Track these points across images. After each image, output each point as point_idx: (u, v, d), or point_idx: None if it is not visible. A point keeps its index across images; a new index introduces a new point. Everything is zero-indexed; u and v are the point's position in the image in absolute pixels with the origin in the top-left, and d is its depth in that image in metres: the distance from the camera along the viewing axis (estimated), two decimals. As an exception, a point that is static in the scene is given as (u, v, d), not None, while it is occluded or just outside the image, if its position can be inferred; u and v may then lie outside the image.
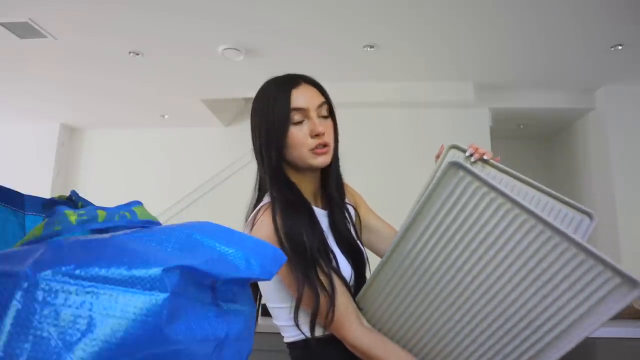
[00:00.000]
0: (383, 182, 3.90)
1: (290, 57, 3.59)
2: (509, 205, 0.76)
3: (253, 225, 0.93)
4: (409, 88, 4.07)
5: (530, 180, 1.01)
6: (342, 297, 0.88)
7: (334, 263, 0.90)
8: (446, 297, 0.81)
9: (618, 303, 0.70)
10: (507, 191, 0.76)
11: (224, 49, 3.42)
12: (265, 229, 0.89)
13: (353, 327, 0.87)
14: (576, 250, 0.72)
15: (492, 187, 0.77)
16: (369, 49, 3.45)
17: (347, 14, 2.97)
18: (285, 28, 3.16)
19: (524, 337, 0.76)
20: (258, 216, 0.93)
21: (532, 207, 0.74)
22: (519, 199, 0.75)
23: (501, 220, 0.76)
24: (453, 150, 1.07)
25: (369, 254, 1.05)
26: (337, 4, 2.86)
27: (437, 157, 1.09)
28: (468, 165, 0.79)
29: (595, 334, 1.67)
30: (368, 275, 0.96)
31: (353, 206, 1.10)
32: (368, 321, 0.92)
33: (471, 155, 1.03)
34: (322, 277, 0.87)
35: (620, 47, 3.32)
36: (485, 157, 1.03)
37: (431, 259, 0.82)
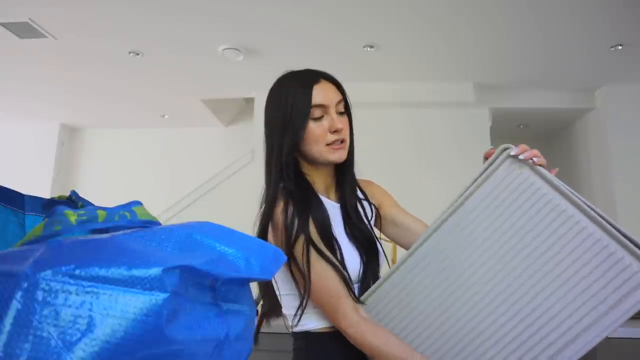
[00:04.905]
0: (383, 182, 3.88)
1: (290, 57, 3.59)
2: (561, 201, 0.80)
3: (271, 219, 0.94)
4: (409, 88, 4.07)
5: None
6: (332, 282, 0.87)
7: (338, 254, 0.90)
8: (480, 290, 0.81)
9: None
10: (560, 184, 0.80)
11: (224, 49, 3.42)
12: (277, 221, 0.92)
13: (347, 314, 0.85)
14: (616, 245, 0.75)
15: (546, 179, 0.82)
16: (369, 49, 3.45)
17: (347, 14, 2.97)
18: (285, 28, 3.15)
19: (558, 324, 0.77)
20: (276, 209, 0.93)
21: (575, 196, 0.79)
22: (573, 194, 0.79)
23: (545, 217, 0.81)
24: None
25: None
26: (337, 4, 2.86)
27: (486, 157, 1.01)
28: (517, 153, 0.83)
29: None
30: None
31: (374, 204, 1.09)
32: (376, 318, 0.90)
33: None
34: (295, 270, 0.89)
35: (620, 47, 3.31)
36: (535, 159, 0.91)
37: (469, 251, 0.83)
